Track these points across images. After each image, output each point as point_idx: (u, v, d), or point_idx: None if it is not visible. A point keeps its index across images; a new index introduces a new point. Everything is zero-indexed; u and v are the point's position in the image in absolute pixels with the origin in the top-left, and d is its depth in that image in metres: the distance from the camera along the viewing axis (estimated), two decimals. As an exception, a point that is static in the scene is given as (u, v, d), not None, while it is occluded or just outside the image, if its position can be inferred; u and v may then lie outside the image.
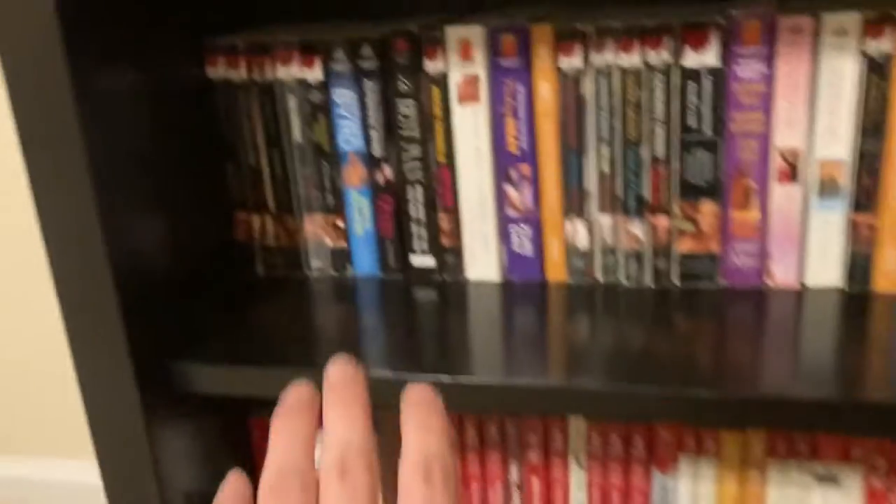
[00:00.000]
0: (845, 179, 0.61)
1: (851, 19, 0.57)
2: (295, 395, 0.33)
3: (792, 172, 0.61)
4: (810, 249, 0.63)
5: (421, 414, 0.32)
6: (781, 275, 0.64)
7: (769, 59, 0.59)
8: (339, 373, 0.33)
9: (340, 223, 0.71)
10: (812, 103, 0.60)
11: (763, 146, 0.61)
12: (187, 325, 0.67)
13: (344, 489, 0.28)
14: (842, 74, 0.58)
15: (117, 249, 0.60)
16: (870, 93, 0.58)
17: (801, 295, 0.64)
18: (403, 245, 0.71)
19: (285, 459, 0.30)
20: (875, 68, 0.58)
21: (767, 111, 0.60)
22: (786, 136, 0.61)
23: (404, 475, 0.29)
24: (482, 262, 0.70)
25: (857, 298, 0.63)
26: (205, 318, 0.69)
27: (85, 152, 0.56)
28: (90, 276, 0.59)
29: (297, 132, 0.69)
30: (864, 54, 0.58)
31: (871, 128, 0.59)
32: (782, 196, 0.62)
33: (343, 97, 0.67)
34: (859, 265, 0.63)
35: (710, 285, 0.66)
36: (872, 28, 0.57)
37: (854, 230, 0.62)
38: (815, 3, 0.62)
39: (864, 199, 0.61)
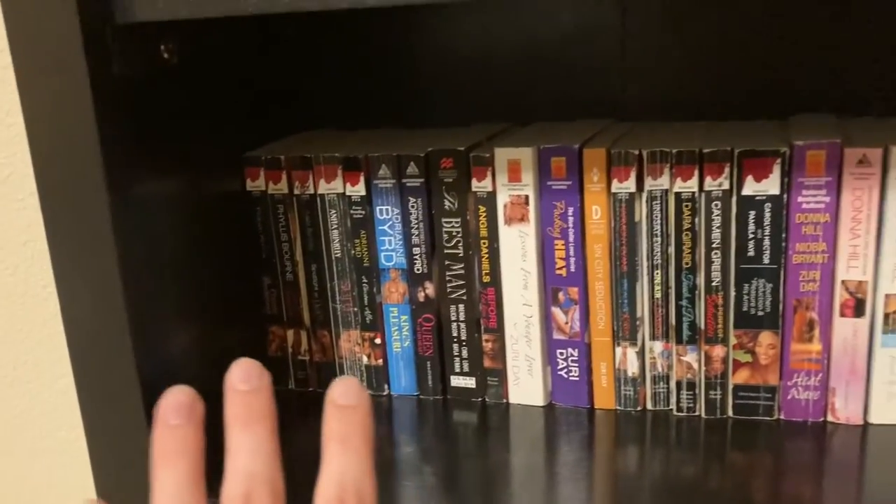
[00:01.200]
0: (914, 315, 0.58)
1: (920, 152, 0.55)
2: (173, 410, 0.30)
3: (857, 306, 0.59)
4: (875, 385, 0.60)
5: (342, 425, 0.30)
6: (844, 410, 0.61)
7: (834, 191, 0.57)
8: (243, 380, 0.31)
9: (378, 340, 0.69)
10: (879, 236, 0.57)
11: (826, 278, 0.59)
12: (212, 443, 0.64)
13: None
14: (910, 207, 0.56)
15: (147, 362, 0.57)
16: (940, 228, 0.56)
17: (864, 431, 0.61)
18: (443, 365, 0.68)
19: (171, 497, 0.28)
20: (946, 203, 0.55)
21: (831, 242, 0.58)
22: (851, 268, 0.58)
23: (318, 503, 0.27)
24: (526, 386, 0.67)
25: (925, 439, 0.59)
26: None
27: (118, 262, 0.54)
28: (117, 388, 0.56)
29: (337, 247, 0.67)
30: (934, 188, 0.55)
31: (941, 263, 0.56)
32: (846, 329, 0.59)
33: (386, 213, 0.66)
34: (929, 404, 0.59)
35: (767, 418, 0.62)
36: (943, 162, 0.55)
37: (923, 368, 0.59)
38: (881, 134, 0.60)
39: (934, 335, 0.58)
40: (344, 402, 0.31)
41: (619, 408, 0.65)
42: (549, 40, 0.74)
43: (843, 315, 0.59)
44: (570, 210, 0.62)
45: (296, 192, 0.67)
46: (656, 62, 0.72)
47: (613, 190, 0.61)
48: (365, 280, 0.67)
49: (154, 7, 0.47)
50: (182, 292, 0.62)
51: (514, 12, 0.74)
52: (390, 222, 0.66)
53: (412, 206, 0.65)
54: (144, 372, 0.57)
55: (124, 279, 0.54)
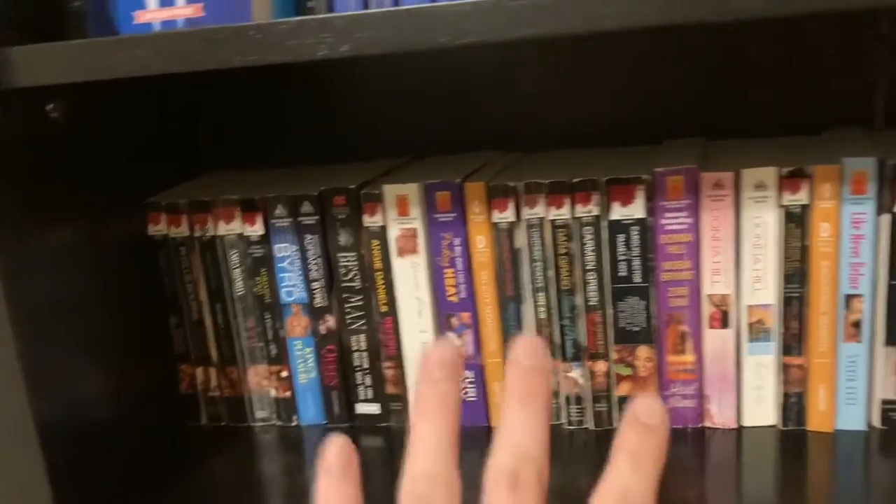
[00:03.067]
0: (774, 324, 0.63)
1: (769, 174, 0.60)
2: (437, 365, 0.30)
3: (723, 318, 0.63)
4: (745, 391, 0.65)
5: (638, 440, 0.29)
6: (719, 415, 0.65)
7: (694, 212, 0.61)
8: (527, 355, 0.30)
9: (284, 373, 0.71)
10: (738, 252, 0.62)
11: (693, 293, 0.63)
12: (129, 479, 0.66)
13: (513, 501, 0.27)
14: (764, 225, 0.61)
15: (45, 405, 0.59)
16: (789, 242, 0.61)
17: (739, 434, 0.65)
18: (348, 393, 0.71)
19: (426, 465, 0.29)
20: (792, 219, 0.60)
21: (695, 260, 0.62)
22: (714, 283, 0.63)
23: None
24: (427, 409, 0.70)
25: (792, 437, 0.64)
26: (147, 471, 0.68)
27: (7, 312, 0.56)
28: (13, 433, 0.58)
29: (239, 285, 0.70)
30: (782, 206, 0.60)
31: (793, 274, 0.61)
32: (715, 340, 0.64)
33: (284, 251, 0.69)
34: (792, 405, 0.64)
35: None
36: (788, 182, 0.60)
37: (785, 372, 0.63)
38: (736, 159, 0.64)
39: (793, 342, 0.63)
40: (646, 421, 0.29)
41: (515, 425, 0.69)
42: (440, 78, 0.78)
43: (711, 327, 0.64)
44: (457, 240, 0.65)
45: (196, 234, 0.70)
46: (544, 96, 0.77)
47: (494, 220, 0.65)
48: (268, 316, 0.70)
49: (32, 73, 0.49)
50: (87, 336, 0.64)
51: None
52: (289, 259, 0.69)
53: (309, 243, 0.68)
54: (42, 415, 0.58)
55: (15, 327, 0.56)
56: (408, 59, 0.79)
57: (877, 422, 0.64)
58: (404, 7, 0.44)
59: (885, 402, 0.63)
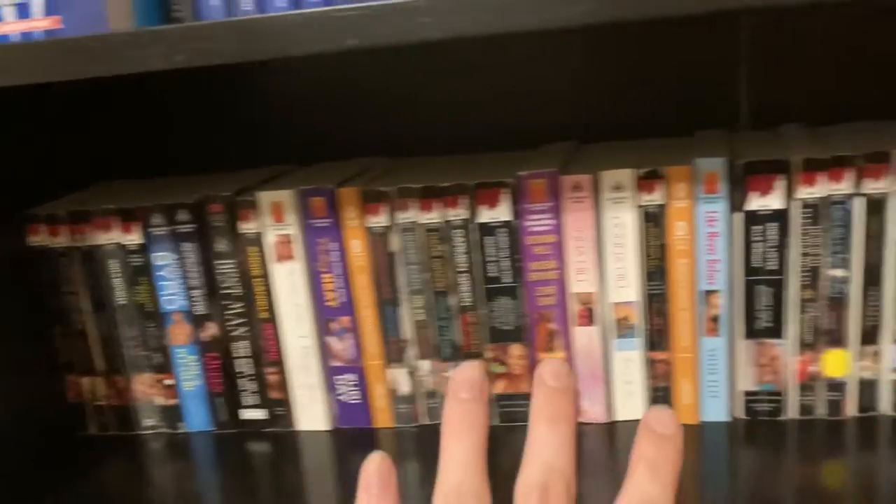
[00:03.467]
0: (638, 320, 0.65)
1: (626, 175, 0.62)
2: (466, 385, 0.31)
3: (589, 315, 0.65)
4: (616, 386, 0.67)
5: (655, 450, 0.30)
6: (592, 410, 0.67)
7: (557, 214, 0.63)
8: (553, 376, 0.31)
9: (169, 381, 0.72)
10: (600, 251, 0.64)
11: (560, 292, 0.65)
12: (17, 489, 0.66)
13: None
14: (623, 225, 0.63)
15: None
16: (648, 241, 0.63)
17: (612, 428, 0.67)
18: (233, 400, 0.72)
19: (457, 480, 0.30)
20: (650, 218, 0.62)
21: (560, 260, 0.64)
22: (580, 282, 0.64)
23: None
24: (311, 413, 0.71)
25: (662, 430, 0.66)
26: (35, 482, 0.67)
27: None
28: None
29: (120, 295, 0.70)
30: (640, 206, 0.62)
31: (654, 272, 0.63)
32: (583, 337, 0.66)
33: (163, 259, 0.69)
34: (660, 399, 0.66)
35: (526, 423, 0.68)
36: (644, 183, 0.62)
37: (651, 367, 0.65)
38: (600, 161, 0.66)
39: (657, 337, 0.65)
40: (661, 431, 0.31)
41: (397, 425, 0.70)
42: (333, 83, 0.79)
43: (579, 324, 0.65)
44: (333, 246, 0.67)
45: (76, 244, 0.70)
46: (426, 102, 0.78)
47: (369, 225, 0.66)
48: (150, 324, 0.71)
49: None
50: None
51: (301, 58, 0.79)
52: (168, 268, 0.69)
53: (187, 251, 0.68)
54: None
55: None
56: (298, 65, 0.80)
57: (740, 413, 0.66)
58: (238, 18, 0.45)
59: (746, 393, 0.65)
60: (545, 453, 0.30)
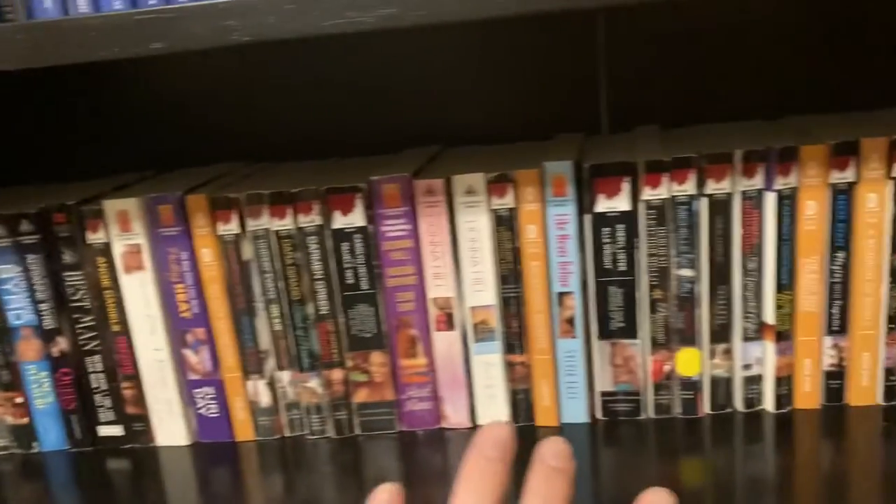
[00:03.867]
0: (496, 323, 0.64)
1: (477, 179, 0.62)
2: (493, 441, 0.32)
3: (448, 320, 0.65)
4: (477, 390, 0.66)
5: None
6: (454, 416, 0.67)
7: (412, 219, 0.62)
8: (553, 459, 0.32)
9: (20, 399, 0.69)
10: (456, 256, 0.63)
11: (419, 297, 0.64)
12: None
13: None
14: (477, 229, 0.63)
15: None
16: (502, 244, 0.63)
17: (474, 433, 0.67)
18: (89, 416, 0.69)
19: None
20: (502, 222, 0.62)
21: (418, 265, 0.63)
22: (437, 286, 0.64)
23: None
24: (170, 428, 0.68)
25: (522, 433, 0.66)
26: None
27: None
28: None
29: (-37, 310, 0.67)
30: (492, 210, 0.62)
31: (508, 275, 0.63)
32: (443, 342, 0.65)
33: (8, 272, 0.66)
34: (521, 402, 0.66)
35: (391, 431, 0.67)
36: (495, 187, 0.62)
37: (510, 370, 0.65)
38: (452, 166, 0.66)
39: (515, 340, 0.65)
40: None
41: (259, 438, 0.69)
42: (200, 87, 0.77)
43: (438, 329, 0.65)
44: (184, 255, 0.65)
45: (-88, 258, 0.66)
46: (290, 106, 0.77)
47: (219, 233, 0.64)
48: (-4, 340, 0.67)
49: None
50: None
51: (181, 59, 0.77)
52: (14, 281, 0.66)
53: (32, 263, 0.66)
54: None
55: None
56: (172, 68, 0.78)
57: (599, 413, 0.66)
58: (37, 21, 0.43)
59: (604, 394, 0.66)
60: None
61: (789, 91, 0.73)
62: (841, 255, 0.61)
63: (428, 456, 0.65)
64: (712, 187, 0.60)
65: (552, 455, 0.32)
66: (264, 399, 0.67)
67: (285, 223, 0.63)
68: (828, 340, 0.63)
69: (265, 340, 0.66)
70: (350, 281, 0.64)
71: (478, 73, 0.75)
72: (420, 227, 0.63)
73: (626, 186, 0.61)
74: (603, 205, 0.61)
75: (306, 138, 0.78)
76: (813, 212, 0.60)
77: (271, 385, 0.67)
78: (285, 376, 0.67)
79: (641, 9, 0.72)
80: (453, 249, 0.63)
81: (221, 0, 0.41)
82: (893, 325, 0.62)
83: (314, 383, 0.67)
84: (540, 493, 0.31)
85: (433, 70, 0.75)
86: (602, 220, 0.61)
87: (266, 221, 0.63)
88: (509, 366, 0.65)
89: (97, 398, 0.68)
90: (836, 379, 0.64)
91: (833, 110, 0.71)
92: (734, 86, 0.73)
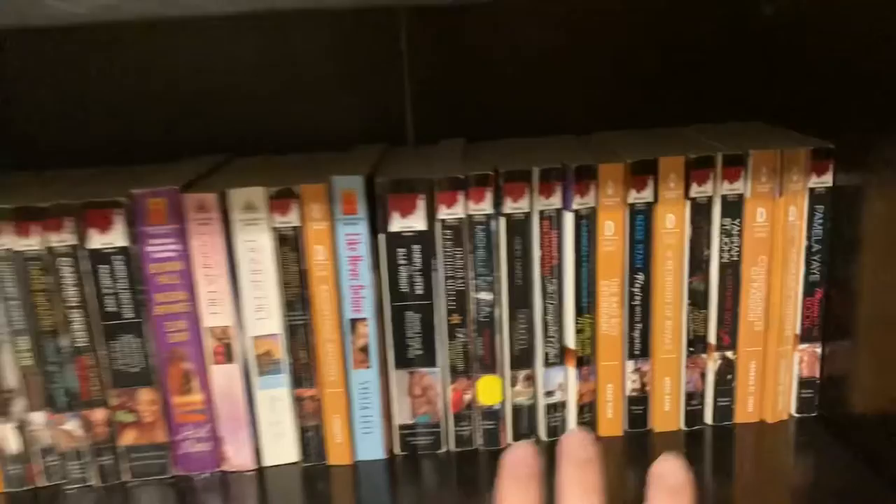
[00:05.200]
0: (283, 354, 0.58)
1: (257, 194, 0.55)
2: (521, 460, 0.33)
3: (227, 351, 0.58)
4: (262, 428, 0.60)
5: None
6: (236, 458, 0.60)
7: (182, 238, 0.55)
8: (579, 450, 0.33)
9: None
10: (235, 280, 0.57)
11: (193, 326, 0.57)
12: None
13: None
14: (260, 249, 0.56)
15: None
16: (287, 266, 0.57)
17: (260, 476, 0.60)
18: None
19: None
20: (286, 242, 0.56)
21: (190, 290, 0.56)
22: (213, 314, 0.57)
23: None
24: None
25: (314, 473, 0.60)
26: None
27: None
28: None
29: None
30: (275, 228, 0.56)
31: (294, 301, 0.57)
32: (222, 376, 0.58)
33: None
34: (311, 439, 0.60)
35: (164, 476, 0.60)
36: (277, 203, 0.55)
37: (299, 405, 0.59)
38: (234, 178, 0.60)
39: (304, 372, 0.59)
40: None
41: (8, 489, 0.59)
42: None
43: (216, 362, 0.58)
44: None
45: None
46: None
47: (-49, 254, 0.55)
48: None
49: None
50: None
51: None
52: None
53: None
54: None
55: None
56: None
57: (397, 448, 0.61)
58: None
59: (402, 427, 0.61)
60: None
61: (601, 106, 0.71)
62: (640, 276, 0.59)
63: (207, 503, 0.58)
64: (510, 206, 0.57)
65: (577, 446, 0.33)
66: (12, 445, 0.58)
67: (31, 242, 0.55)
68: (630, 365, 0.61)
69: (12, 378, 0.57)
70: (111, 309, 0.56)
71: (275, 74, 0.68)
72: (192, 248, 0.56)
73: (421, 204, 0.56)
74: (398, 224, 0.56)
75: (73, 144, 0.69)
76: (612, 232, 0.57)
77: (21, 429, 0.58)
78: (38, 418, 0.58)
79: (450, 15, 0.68)
80: (231, 272, 0.57)
81: None
82: (693, 349, 0.61)
83: (72, 425, 0.58)
84: (575, 483, 0.32)
85: (221, 69, 0.68)
86: (397, 240, 0.57)
87: (10, 241, 0.55)
88: (298, 401, 0.59)
89: None
90: (638, 405, 0.62)
91: (649, 126, 0.70)
92: (547, 101, 0.70)
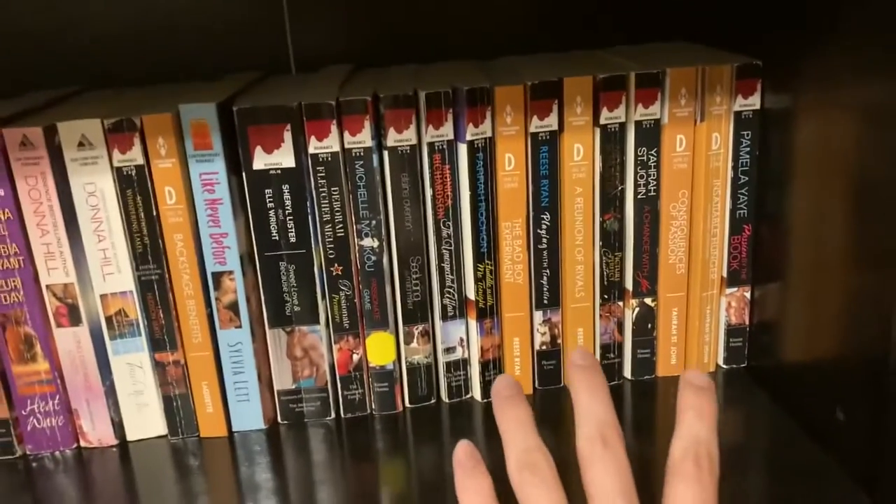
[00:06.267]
0: (138, 314, 0.51)
1: (91, 127, 0.47)
2: (506, 386, 0.38)
3: (71, 312, 0.50)
4: (121, 398, 0.52)
5: (697, 399, 0.35)
6: (93, 432, 0.53)
7: (7, 181, 0.47)
8: (584, 358, 0.37)
9: None
10: (75, 229, 0.49)
11: (30, 284, 0.49)
12: None
13: (607, 455, 0.34)
14: (101, 193, 0.48)
15: None
16: (133, 213, 0.49)
17: (124, 451, 0.53)
18: None
19: (525, 441, 0.35)
20: (131, 184, 0.48)
21: (22, 243, 0.48)
22: (52, 270, 0.49)
23: (675, 456, 0.34)
24: None
25: (185, 447, 0.53)
26: None
27: None
28: None
29: None
30: (116, 168, 0.48)
31: (144, 252, 0.49)
32: (68, 341, 0.50)
33: None
34: (178, 410, 0.53)
35: (9, 456, 0.52)
36: (116, 138, 0.47)
37: (161, 371, 0.52)
38: (66, 113, 0.51)
39: (163, 334, 0.51)
40: (699, 384, 0.35)
41: None
42: None
43: (60, 325, 0.50)
44: None
45: None
46: None
47: None
48: None
49: None
50: None
51: None
52: None
53: None
54: None
55: None
56: None
57: (279, 417, 0.54)
58: None
59: (283, 393, 0.54)
60: (595, 412, 0.35)
61: (509, 31, 0.63)
62: (547, 216, 0.52)
63: (63, 485, 0.50)
64: (394, 138, 0.49)
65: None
66: None
67: None
68: (538, 316, 0.54)
69: None
70: (-71, 266, 0.48)
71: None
72: (20, 193, 0.47)
73: (288, 137, 0.48)
74: (262, 160, 0.48)
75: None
76: (512, 166, 0.50)
77: None
78: None
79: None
80: (69, 221, 0.48)
81: None
82: (608, 297, 0.54)
83: None
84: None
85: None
86: (262, 179, 0.49)
87: None
88: (160, 366, 0.52)
89: None
90: (549, 359, 0.55)
91: (560, 49, 0.62)
92: (448, 25, 0.62)
